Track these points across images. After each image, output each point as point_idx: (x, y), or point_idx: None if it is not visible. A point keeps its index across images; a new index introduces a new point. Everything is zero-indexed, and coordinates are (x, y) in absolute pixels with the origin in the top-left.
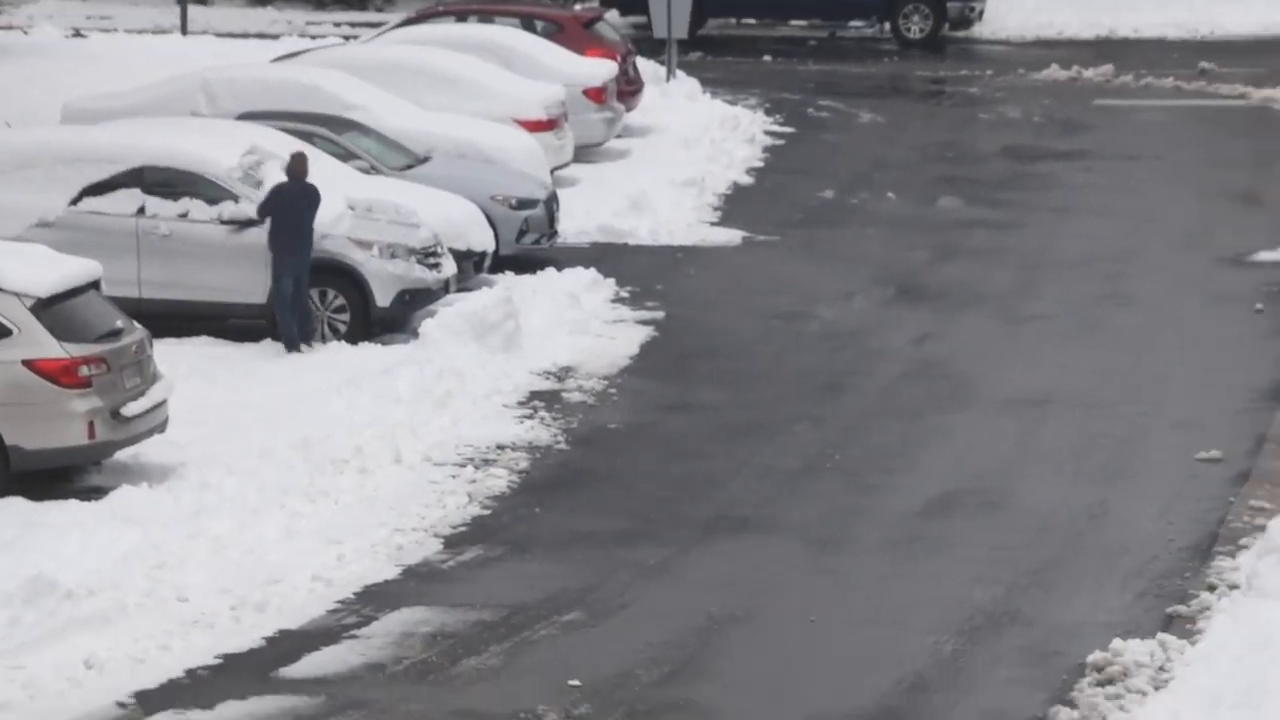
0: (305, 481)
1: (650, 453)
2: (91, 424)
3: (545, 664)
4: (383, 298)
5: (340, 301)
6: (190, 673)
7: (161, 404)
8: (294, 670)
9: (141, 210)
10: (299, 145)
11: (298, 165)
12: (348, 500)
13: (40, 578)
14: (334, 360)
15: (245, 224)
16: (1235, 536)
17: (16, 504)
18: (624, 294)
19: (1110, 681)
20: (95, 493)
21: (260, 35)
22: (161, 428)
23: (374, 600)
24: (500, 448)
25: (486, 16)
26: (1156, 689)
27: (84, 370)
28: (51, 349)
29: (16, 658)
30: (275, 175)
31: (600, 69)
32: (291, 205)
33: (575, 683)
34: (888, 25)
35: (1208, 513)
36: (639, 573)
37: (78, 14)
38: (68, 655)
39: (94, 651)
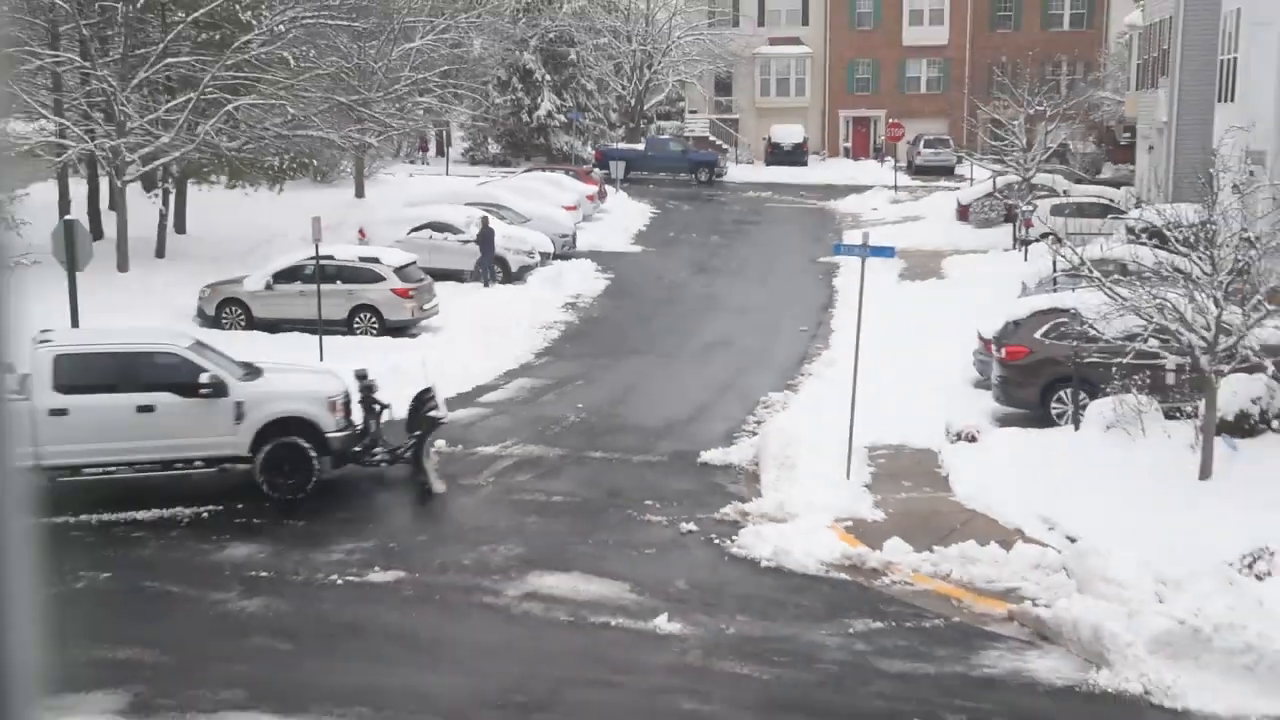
0: (485, 335)
1: (610, 325)
2: (412, 309)
3: (570, 398)
4: (515, 266)
5: (500, 270)
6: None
7: (434, 305)
8: (482, 398)
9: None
10: (485, 213)
11: (485, 221)
12: (503, 340)
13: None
14: (497, 292)
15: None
16: (812, 356)
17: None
18: (600, 269)
19: (769, 405)
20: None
21: (472, 175)
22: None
23: (510, 375)
24: (555, 322)
25: (552, 168)
26: (785, 407)
27: (410, 293)
28: (398, 284)
29: None
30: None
31: (592, 188)
32: (484, 236)
33: (580, 406)
34: (695, 176)
35: (801, 347)
36: (603, 368)
37: (404, 171)
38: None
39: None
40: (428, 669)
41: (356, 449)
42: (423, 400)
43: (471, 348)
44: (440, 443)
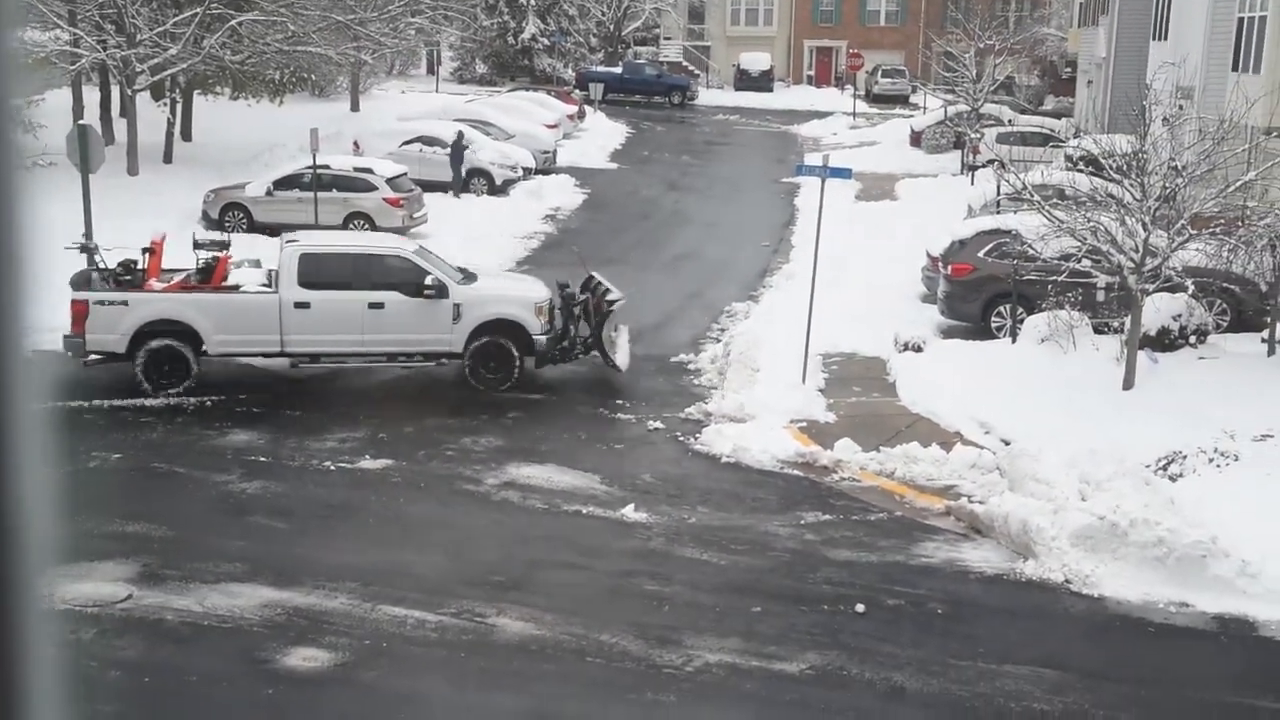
0: (470, 243)
1: (586, 236)
2: (403, 217)
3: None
4: (499, 180)
5: (485, 183)
6: None
7: (423, 214)
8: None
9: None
10: (464, 129)
11: (460, 136)
12: (487, 248)
13: None
14: (481, 202)
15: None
16: (773, 269)
17: None
18: (579, 183)
19: (732, 314)
20: None
21: (460, 94)
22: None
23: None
24: (535, 232)
25: (536, 89)
26: (747, 316)
27: (401, 202)
28: (390, 193)
29: None
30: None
31: (572, 108)
32: (455, 148)
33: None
34: (669, 99)
35: (764, 261)
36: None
37: (396, 87)
38: None
39: None
40: (412, 549)
41: (556, 349)
42: (592, 289)
43: (455, 254)
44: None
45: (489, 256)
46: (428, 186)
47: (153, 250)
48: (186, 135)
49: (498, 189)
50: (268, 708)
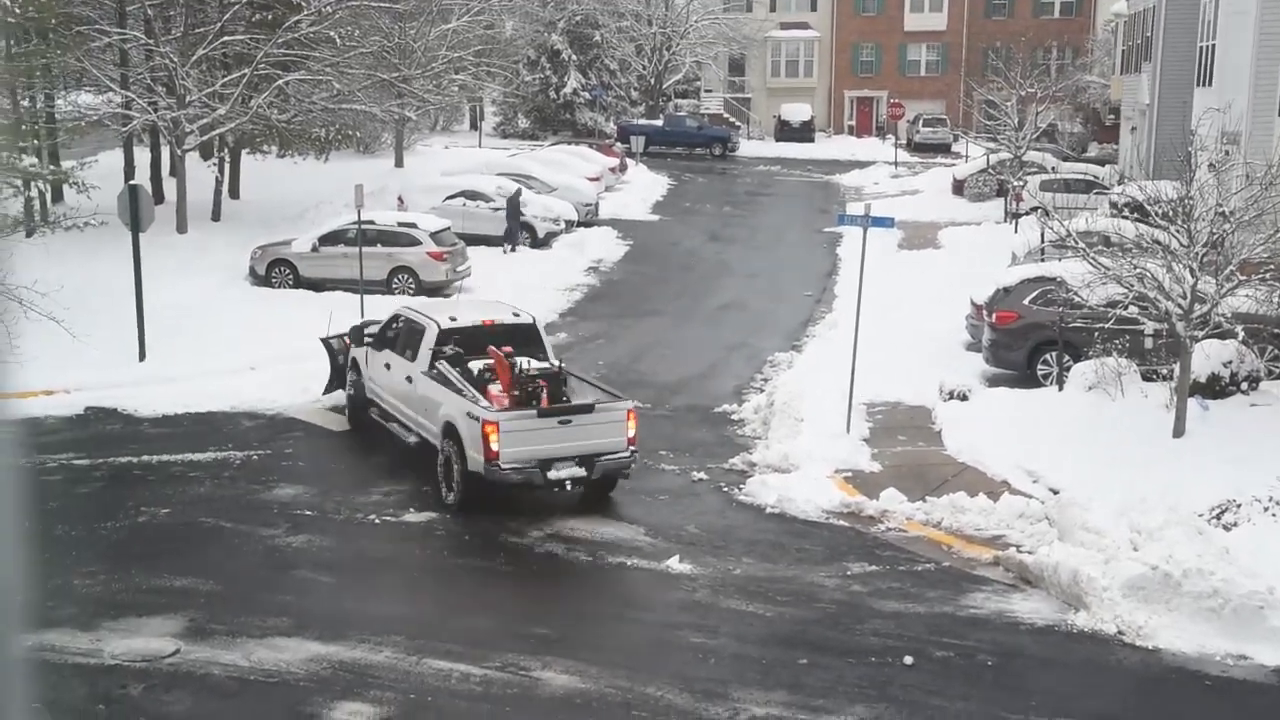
0: (513, 296)
1: (629, 287)
2: (446, 270)
3: (591, 355)
4: (542, 233)
5: (528, 236)
6: None
7: (467, 268)
8: None
9: (464, 203)
10: (517, 184)
11: (517, 192)
12: (529, 301)
13: None
14: (527, 254)
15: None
16: (816, 319)
17: None
18: (621, 235)
19: (775, 364)
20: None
21: (502, 148)
22: (467, 273)
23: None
24: (578, 284)
25: (577, 142)
26: (790, 366)
27: (445, 256)
28: (434, 247)
29: None
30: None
31: (613, 161)
32: (512, 204)
33: (600, 362)
34: (710, 151)
35: (807, 311)
36: (622, 328)
37: (439, 142)
38: None
39: None
40: (456, 602)
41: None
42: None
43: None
44: None
45: (534, 309)
46: (472, 240)
47: (496, 360)
48: (234, 193)
49: (540, 242)
50: None
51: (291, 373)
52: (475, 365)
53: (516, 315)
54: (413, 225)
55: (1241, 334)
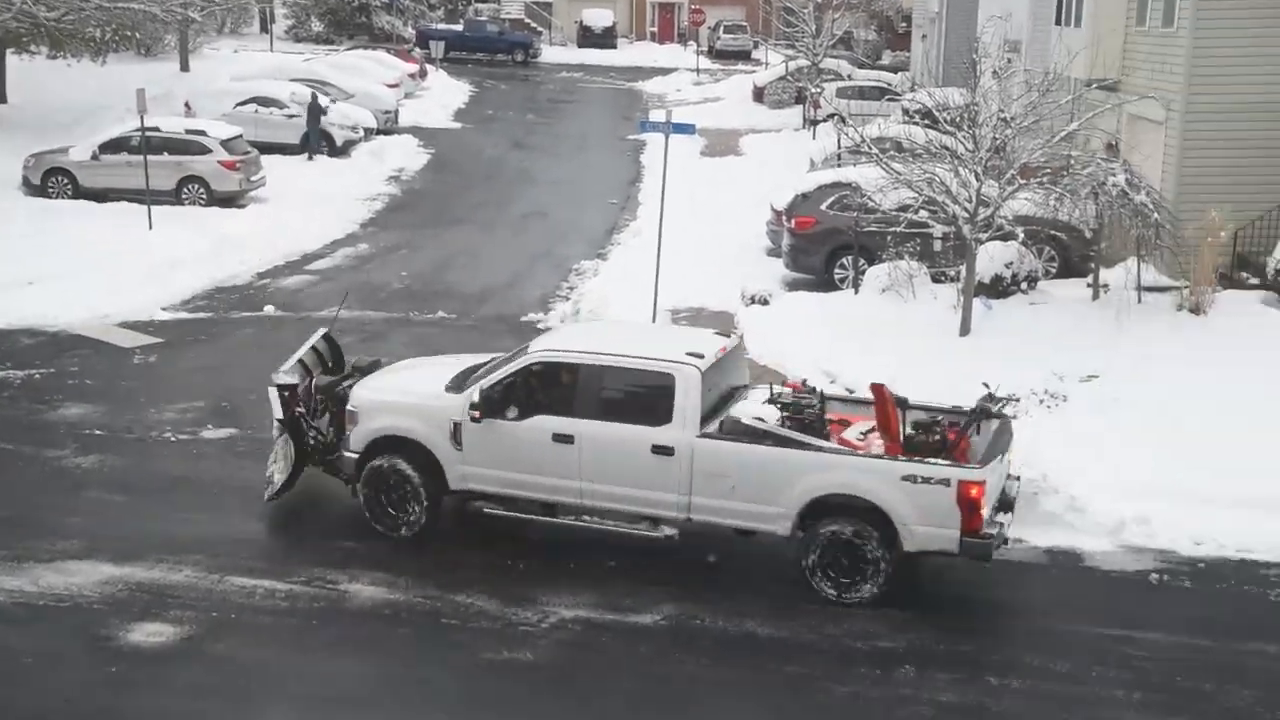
0: (312, 206)
1: (431, 197)
2: (240, 180)
3: (395, 266)
4: (340, 141)
5: (326, 145)
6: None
7: (261, 177)
8: (310, 265)
9: (256, 110)
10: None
11: (314, 97)
12: (329, 211)
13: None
14: (326, 163)
15: None
16: (620, 226)
17: None
18: (422, 144)
19: (580, 272)
20: None
21: (296, 53)
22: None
23: (336, 244)
24: (379, 194)
25: (374, 47)
26: (596, 274)
27: (237, 165)
28: (225, 155)
29: None
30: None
31: (413, 67)
32: (312, 110)
33: (404, 273)
34: (511, 57)
35: (611, 219)
36: (425, 238)
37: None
38: None
39: None
40: (259, 519)
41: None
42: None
43: (298, 218)
44: (269, 308)
45: (334, 220)
46: (266, 149)
47: (881, 399)
48: (1, 97)
49: (339, 151)
50: (113, 686)
51: (76, 288)
52: (757, 412)
53: (726, 335)
54: (202, 133)
55: (1021, 236)
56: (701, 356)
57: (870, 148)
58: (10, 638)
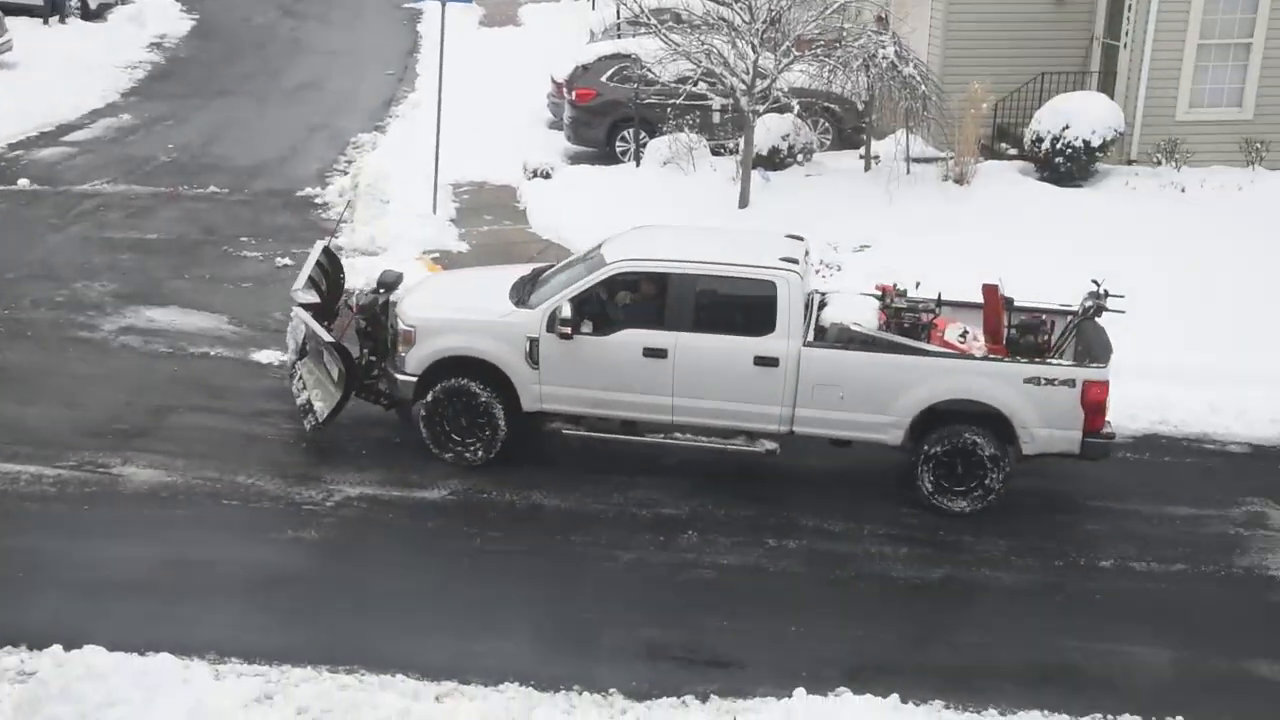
0: (67, 73)
1: (197, 65)
2: None
3: (160, 137)
4: (93, 4)
5: (78, 7)
6: None
7: (7, 41)
8: (67, 136)
9: None
10: None
11: None
12: (86, 79)
13: None
14: (78, 27)
15: None
16: (398, 98)
17: None
18: (185, 8)
19: (358, 145)
20: None
21: None
22: (7, 47)
23: (96, 114)
24: (140, 61)
25: None
26: (374, 147)
27: None
28: None
29: None
30: None
31: None
32: None
33: (170, 146)
34: None
35: (389, 90)
36: (192, 108)
37: None
38: None
39: None
40: (25, 403)
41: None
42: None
43: (52, 86)
44: (23, 181)
45: (92, 88)
46: (10, 10)
47: (991, 297)
48: None
49: (92, 14)
50: None
51: None
52: (856, 316)
53: (799, 238)
54: None
55: (797, 108)
56: (796, 262)
57: (649, 19)
58: None
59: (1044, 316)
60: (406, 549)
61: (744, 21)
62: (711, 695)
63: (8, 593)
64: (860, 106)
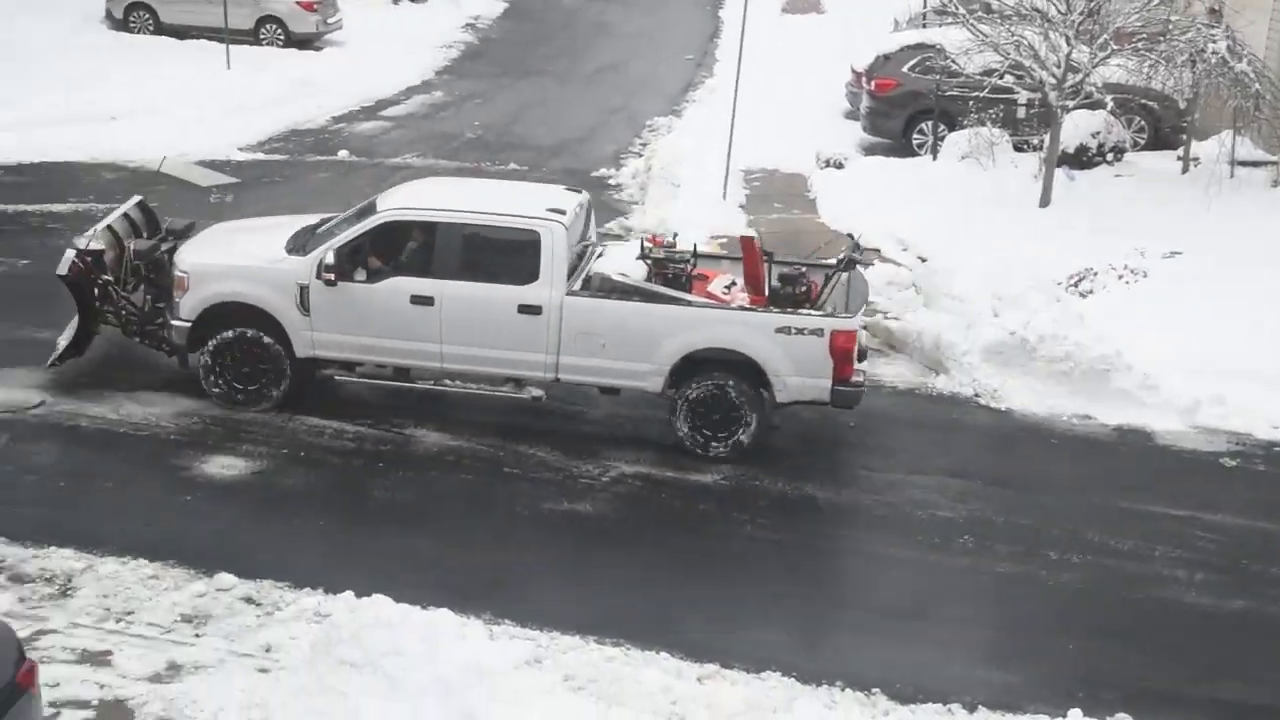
0: (387, 51)
1: (507, 46)
2: (317, 22)
3: (468, 115)
4: None
5: None
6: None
7: (339, 19)
8: (383, 112)
9: None
10: None
11: None
12: (404, 57)
13: None
14: (398, 10)
15: None
16: (696, 83)
17: None
18: None
19: (654, 128)
20: None
21: None
22: (338, 25)
23: (411, 90)
24: (455, 41)
25: None
26: (669, 131)
27: (315, 6)
28: None
29: None
30: None
31: None
32: None
33: (477, 123)
34: None
35: (688, 74)
36: (499, 88)
37: None
38: None
39: None
40: None
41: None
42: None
43: (374, 62)
44: (343, 153)
45: (410, 66)
46: None
47: (748, 250)
48: None
49: None
50: (188, 514)
51: (155, 125)
52: (622, 268)
53: (576, 190)
54: None
55: (1110, 104)
56: (563, 212)
57: (957, 8)
58: (95, 463)
59: (804, 269)
60: (676, 530)
61: (1059, 13)
62: (980, 706)
63: (308, 539)
64: (1182, 105)
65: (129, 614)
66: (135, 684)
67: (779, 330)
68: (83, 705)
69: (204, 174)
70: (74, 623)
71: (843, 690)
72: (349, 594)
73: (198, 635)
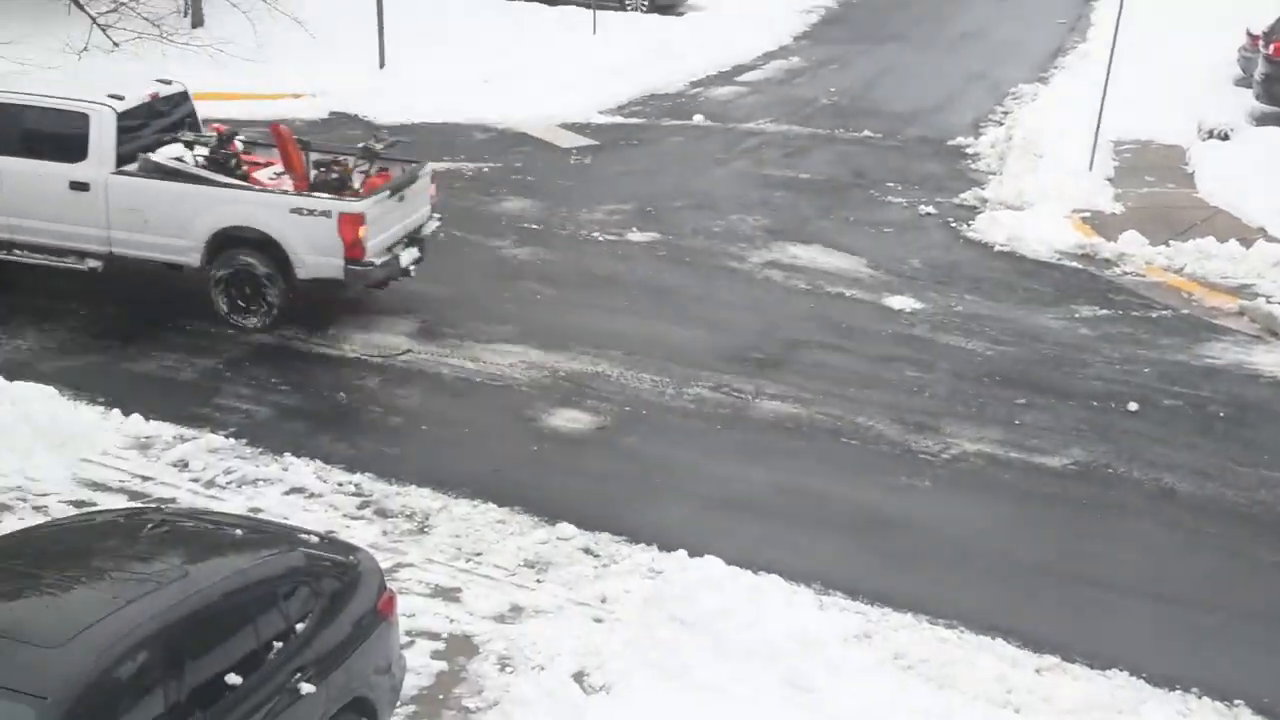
0: (747, 16)
1: (866, 10)
2: None
3: (823, 80)
4: None
5: None
6: None
7: None
8: (740, 77)
9: None
10: None
11: None
12: (763, 22)
13: None
14: None
15: None
16: (1067, 49)
17: None
18: None
19: (1017, 96)
20: None
21: None
22: None
23: (768, 56)
24: (815, 6)
25: None
26: (1034, 99)
27: None
28: None
29: None
30: None
31: None
32: None
33: (832, 89)
34: None
35: (1058, 40)
36: (857, 53)
37: None
38: None
39: None
40: (677, 322)
41: None
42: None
43: (734, 28)
44: (698, 117)
45: (768, 31)
46: None
47: (282, 140)
48: None
49: None
50: (535, 463)
51: (524, 88)
52: (175, 153)
53: (168, 83)
54: None
55: None
56: (122, 99)
57: None
58: (452, 409)
59: (339, 157)
60: (1017, 513)
61: None
62: None
63: (649, 495)
64: None
65: (478, 554)
66: (481, 621)
67: (294, 211)
68: (434, 637)
69: (565, 136)
70: (429, 559)
71: (1199, 698)
72: (682, 552)
73: (539, 580)
